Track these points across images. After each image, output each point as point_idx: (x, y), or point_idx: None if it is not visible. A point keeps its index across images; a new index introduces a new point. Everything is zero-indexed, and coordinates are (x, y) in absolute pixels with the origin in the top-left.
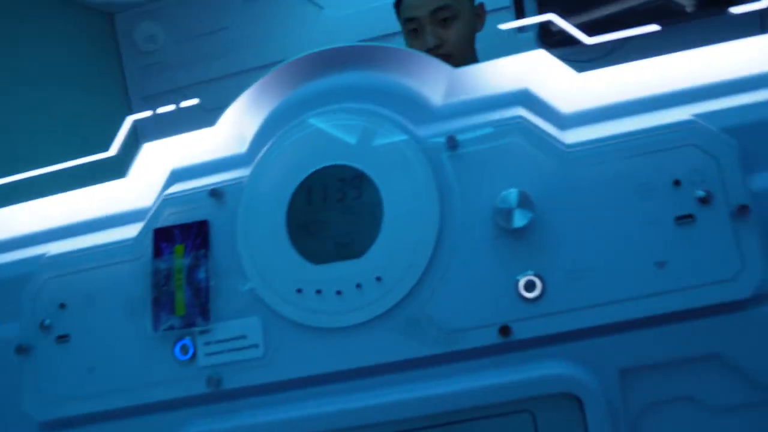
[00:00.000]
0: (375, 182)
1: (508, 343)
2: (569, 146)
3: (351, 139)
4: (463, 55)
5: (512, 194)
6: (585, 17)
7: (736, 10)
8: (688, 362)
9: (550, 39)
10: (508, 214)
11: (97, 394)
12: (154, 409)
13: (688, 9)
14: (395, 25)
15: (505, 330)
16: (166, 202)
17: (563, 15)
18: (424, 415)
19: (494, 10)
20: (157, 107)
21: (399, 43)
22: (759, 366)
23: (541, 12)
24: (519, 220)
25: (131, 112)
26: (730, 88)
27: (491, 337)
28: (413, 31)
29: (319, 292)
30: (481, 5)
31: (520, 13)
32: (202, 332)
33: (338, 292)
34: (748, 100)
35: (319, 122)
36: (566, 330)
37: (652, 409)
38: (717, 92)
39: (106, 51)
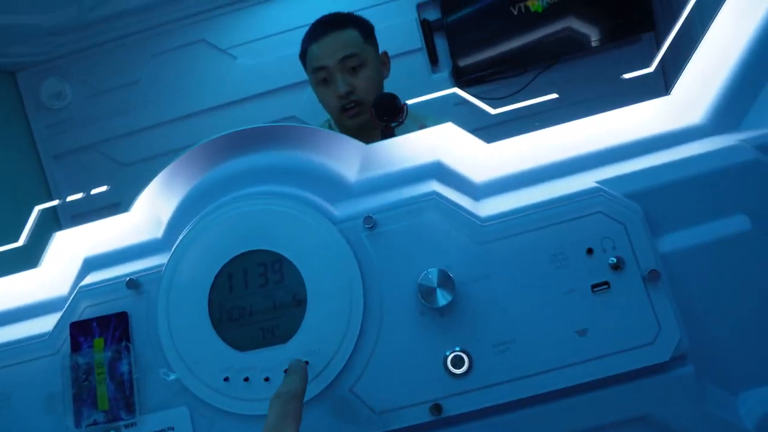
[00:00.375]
0: (296, 266)
1: (439, 420)
2: (484, 220)
3: (269, 224)
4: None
5: (432, 273)
6: (493, 51)
7: (627, 75)
8: (618, 426)
9: (463, 78)
10: (430, 293)
11: None
12: None
13: (593, 42)
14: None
15: (436, 408)
16: (81, 294)
17: (472, 51)
18: None
19: (406, 53)
20: (69, 164)
21: (309, 91)
22: (686, 423)
23: (451, 50)
24: (441, 299)
25: (42, 170)
26: (631, 151)
27: (423, 416)
28: (323, 81)
29: (246, 380)
30: (385, 53)
31: (432, 53)
32: (127, 426)
33: (266, 379)
34: (648, 163)
35: (234, 208)
36: (496, 404)
37: None
38: (619, 156)
39: (11, 110)
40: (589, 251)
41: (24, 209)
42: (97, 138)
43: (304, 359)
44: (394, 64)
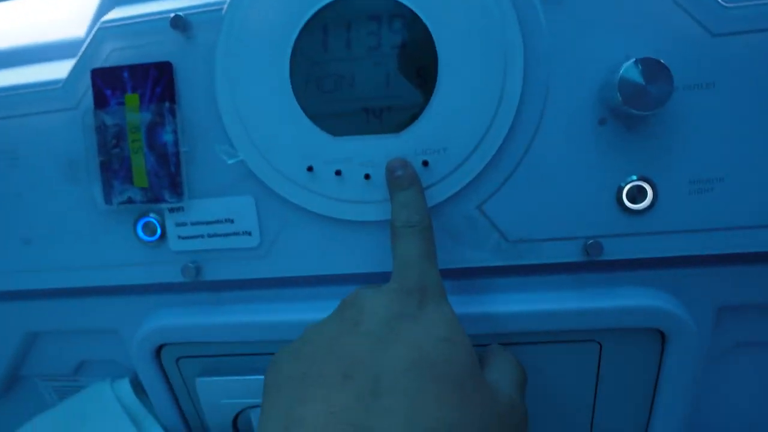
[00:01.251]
0: (426, 24)
1: (593, 263)
2: (729, 3)
3: None
4: None
5: (643, 64)
6: None
7: None
8: None
9: None
10: (637, 92)
11: (38, 269)
12: (112, 292)
13: None
14: None
15: (594, 247)
16: (104, 31)
17: None
18: (481, 334)
19: None
20: None
21: None
22: None
23: None
24: (657, 100)
25: None
26: None
27: (573, 254)
28: None
29: (338, 173)
30: None
31: None
32: (172, 210)
33: (366, 176)
34: None
35: None
36: (674, 255)
37: (738, 353)
38: None
39: None
40: None
41: None
42: None
43: (422, 158)
44: None
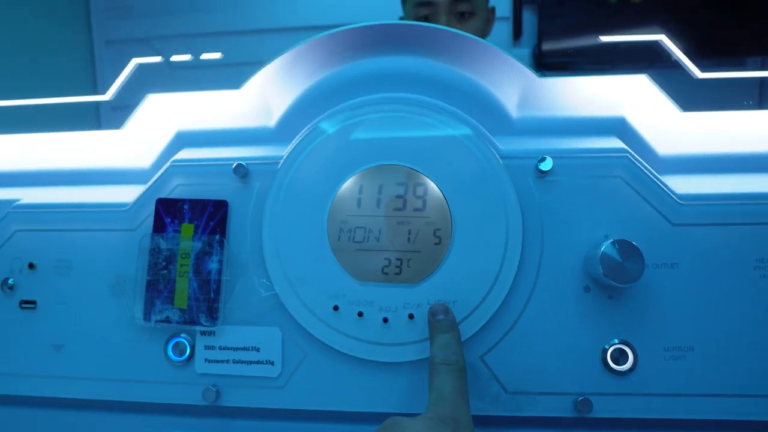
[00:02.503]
0: (444, 195)
1: (583, 420)
2: (681, 198)
3: (419, 140)
4: None
5: (621, 244)
6: (582, 41)
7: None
8: None
9: (545, 60)
10: (615, 268)
11: (63, 375)
12: (131, 409)
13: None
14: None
15: (584, 404)
16: (175, 168)
17: (560, 35)
18: None
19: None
20: (119, 53)
21: None
22: None
23: (540, 29)
24: (632, 276)
25: (92, 53)
26: None
27: (565, 409)
28: (424, 18)
29: (360, 315)
30: (493, 9)
31: (517, 27)
32: (204, 333)
33: (385, 320)
34: None
35: (378, 110)
36: (657, 417)
37: None
38: None
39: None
40: None
41: (67, 89)
42: (152, 33)
43: None
44: None
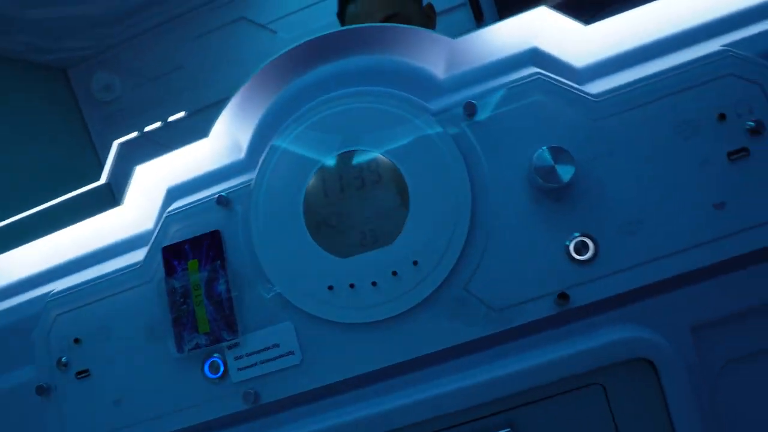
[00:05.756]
0: (394, 163)
1: (566, 312)
2: (597, 96)
3: (359, 124)
4: None
5: (547, 151)
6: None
7: None
8: (765, 310)
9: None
10: (549, 172)
11: (126, 425)
12: None
13: None
14: None
15: (562, 297)
16: (169, 218)
17: (521, 7)
18: (486, 402)
19: (448, 10)
20: (124, 153)
21: None
22: None
23: (499, 8)
24: (564, 175)
25: (100, 162)
26: (757, 14)
27: (548, 308)
28: None
29: (352, 286)
30: (429, 5)
31: (476, 10)
32: (230, 347)
33: (373, 284)
34: None
35: (320, 111)
36: (627, 290)
37: (733, 367)
38: (742, 21)
39: (65, 105)
40: (721, 117)
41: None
42: (147, 125)
43: (412, 259)
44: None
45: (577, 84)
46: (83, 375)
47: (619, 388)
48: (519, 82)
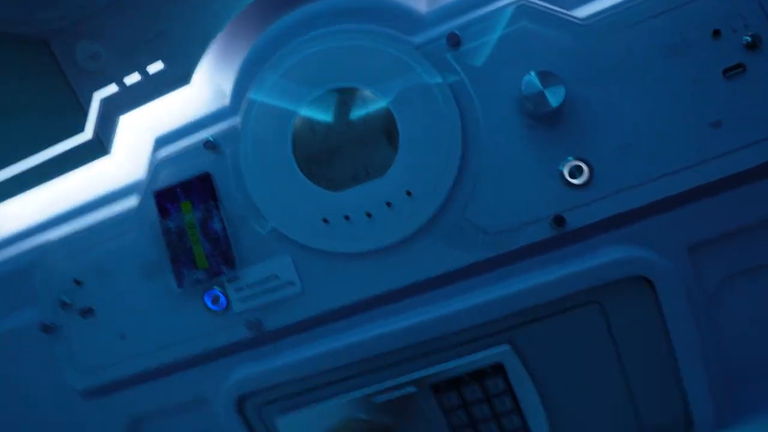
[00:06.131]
0: (381, 95)
1: (563, 235)
2: (584, 19)
3: (343, 60)
4: None
5: (536, 76)
6: None
7: None
8: (761, 227)
9: None
10: (538, 97)
11: (134, 355)
12: (197, 362)
13: None
14: None
15: (558, 220)
16: (159, 165)
17: None
18: (485, 323)
19: None
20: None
21: None
22: None
23: None
24: (554, 99)
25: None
26: None
27: (544, 231)
28: None
29: (347, 218)
30: None
31: None
32: (230, 280)
33: (368, 215)
34: None
35: (301, 51)
36: (623, 211)
37: (730, 284)
38: None
39: (52, 78)
40: (716, 33)
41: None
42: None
43: (405, 189)
44: None
45: (564, 8)
46: (87, 313)
47: (617, 306)
48: (501, 11)
